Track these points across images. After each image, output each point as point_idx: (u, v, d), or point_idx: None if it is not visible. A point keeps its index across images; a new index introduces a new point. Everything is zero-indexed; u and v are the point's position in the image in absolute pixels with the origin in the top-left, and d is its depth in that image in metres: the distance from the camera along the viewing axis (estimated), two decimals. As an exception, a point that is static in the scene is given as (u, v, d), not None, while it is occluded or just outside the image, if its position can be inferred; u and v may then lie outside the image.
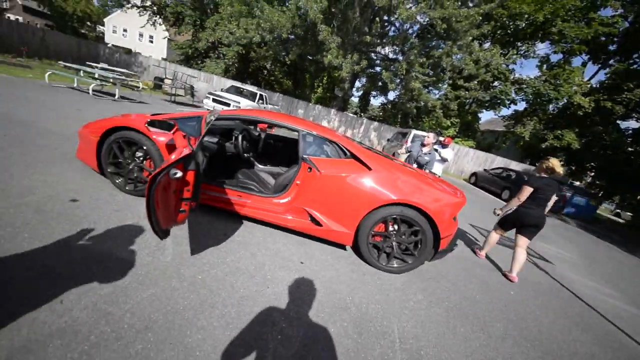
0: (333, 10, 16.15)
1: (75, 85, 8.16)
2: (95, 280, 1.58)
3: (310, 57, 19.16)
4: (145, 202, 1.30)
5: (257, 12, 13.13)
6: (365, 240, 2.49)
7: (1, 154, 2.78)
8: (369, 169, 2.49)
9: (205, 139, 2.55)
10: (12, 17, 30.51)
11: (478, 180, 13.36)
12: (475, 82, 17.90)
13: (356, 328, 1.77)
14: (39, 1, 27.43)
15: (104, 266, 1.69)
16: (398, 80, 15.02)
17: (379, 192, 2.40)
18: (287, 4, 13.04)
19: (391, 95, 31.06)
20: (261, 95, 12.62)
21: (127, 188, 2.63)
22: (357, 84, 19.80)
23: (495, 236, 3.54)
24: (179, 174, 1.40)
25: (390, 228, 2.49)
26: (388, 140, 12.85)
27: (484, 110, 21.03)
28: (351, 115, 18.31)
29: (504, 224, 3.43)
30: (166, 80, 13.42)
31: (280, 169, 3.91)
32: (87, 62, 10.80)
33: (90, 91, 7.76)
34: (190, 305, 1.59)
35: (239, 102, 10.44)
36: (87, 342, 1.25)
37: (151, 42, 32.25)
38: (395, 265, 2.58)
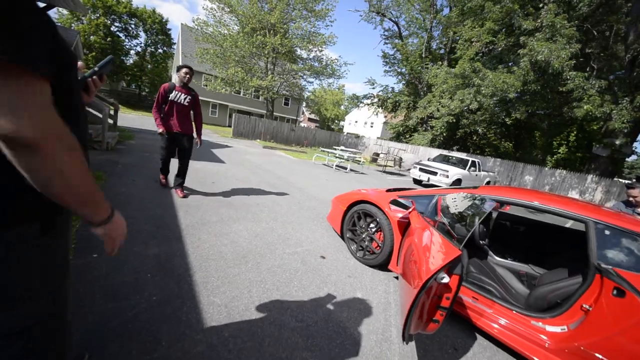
0: (588, 51, 12.45)
1: (326, 162, 11.65)
2: (335, 352, 1.58)
3: (542, 113, 15.35)
4: (409, 305, 1.14)
5: (477, 82, 12.77)
6: None
7: (286, 210, 4.12)
8: None
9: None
10: (302, 124, 52.37)
11: None
12: None
13: None
14: (314, 113, 45.17)
15: (341, 341, 1.70)
16: None
17: None
18: (519, 62, 11.66)
19: None
20: (473, 162, 11.32)
21: (357, 255, 2.86)
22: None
23: None
24: (446, 279, 1.15)
25: None
26: None
27: None
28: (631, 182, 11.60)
29: None
30: (381, 155, 15.91)
31: (530, 268, 2.77)
32: (334, 147, 15.36)
33: (334, 166, 10.70)
34: None
35: (448, 171, 9.92)
36: None
37: (371, 126, 41.27)
38: None
